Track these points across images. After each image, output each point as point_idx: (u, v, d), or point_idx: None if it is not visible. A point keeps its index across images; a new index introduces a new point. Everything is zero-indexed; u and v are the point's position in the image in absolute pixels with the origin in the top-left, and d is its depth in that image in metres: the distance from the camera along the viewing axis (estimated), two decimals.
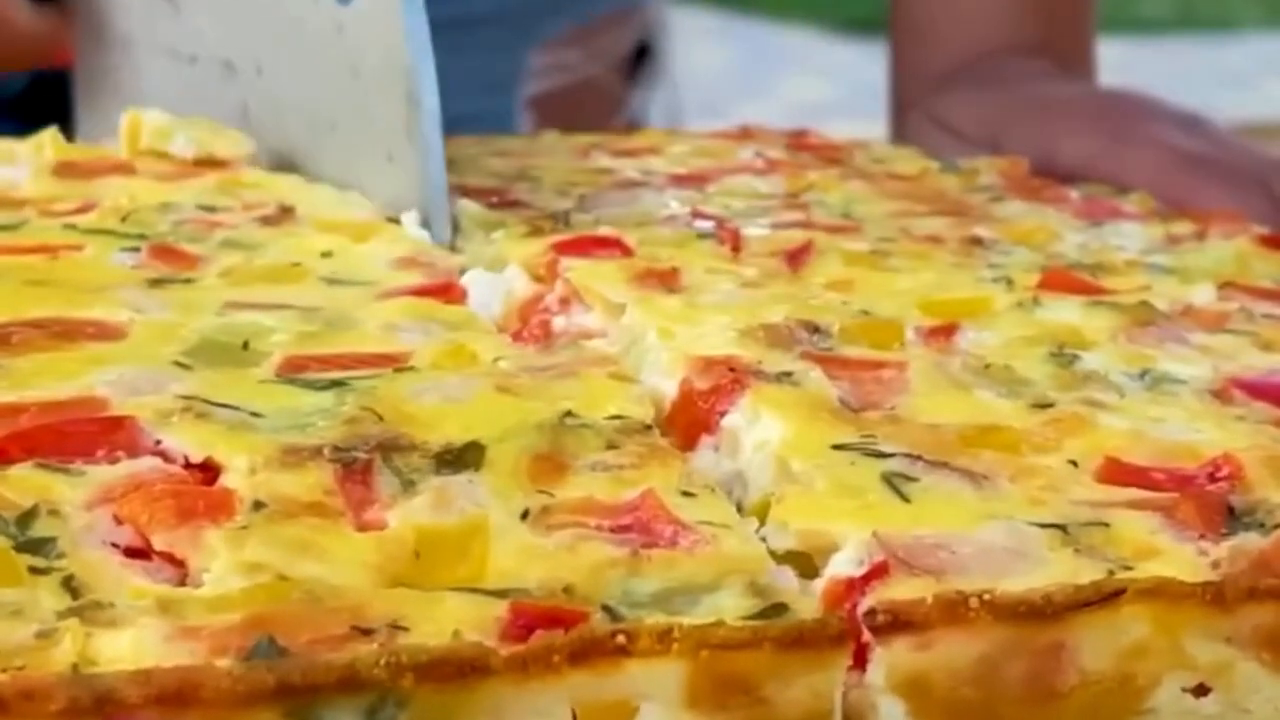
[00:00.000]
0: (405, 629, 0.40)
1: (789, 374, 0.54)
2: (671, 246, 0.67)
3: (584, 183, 0.79)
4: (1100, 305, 0.62)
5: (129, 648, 0.39)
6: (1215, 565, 0.46)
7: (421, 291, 0.62)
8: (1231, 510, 0.48)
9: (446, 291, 0.62)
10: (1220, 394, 0.55)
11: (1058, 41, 1.06)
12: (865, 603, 0.43)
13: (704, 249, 0.68)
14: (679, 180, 0.81)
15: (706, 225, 0.71)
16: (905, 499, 0.47)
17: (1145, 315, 0.61)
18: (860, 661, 0.43)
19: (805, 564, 0.47)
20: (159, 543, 0.43)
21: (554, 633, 0.39)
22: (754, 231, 0.71)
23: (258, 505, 0.45)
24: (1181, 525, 0.47)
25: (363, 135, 0.73)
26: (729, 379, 0.53)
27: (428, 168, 0.69)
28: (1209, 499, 0.48)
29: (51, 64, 0.88)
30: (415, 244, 0.68)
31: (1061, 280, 0.64)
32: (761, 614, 0.41)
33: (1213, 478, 0.50)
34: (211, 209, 0.71)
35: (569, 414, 0.50)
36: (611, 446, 0.49)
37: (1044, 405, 0.53)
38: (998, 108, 0.96)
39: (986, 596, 0.43)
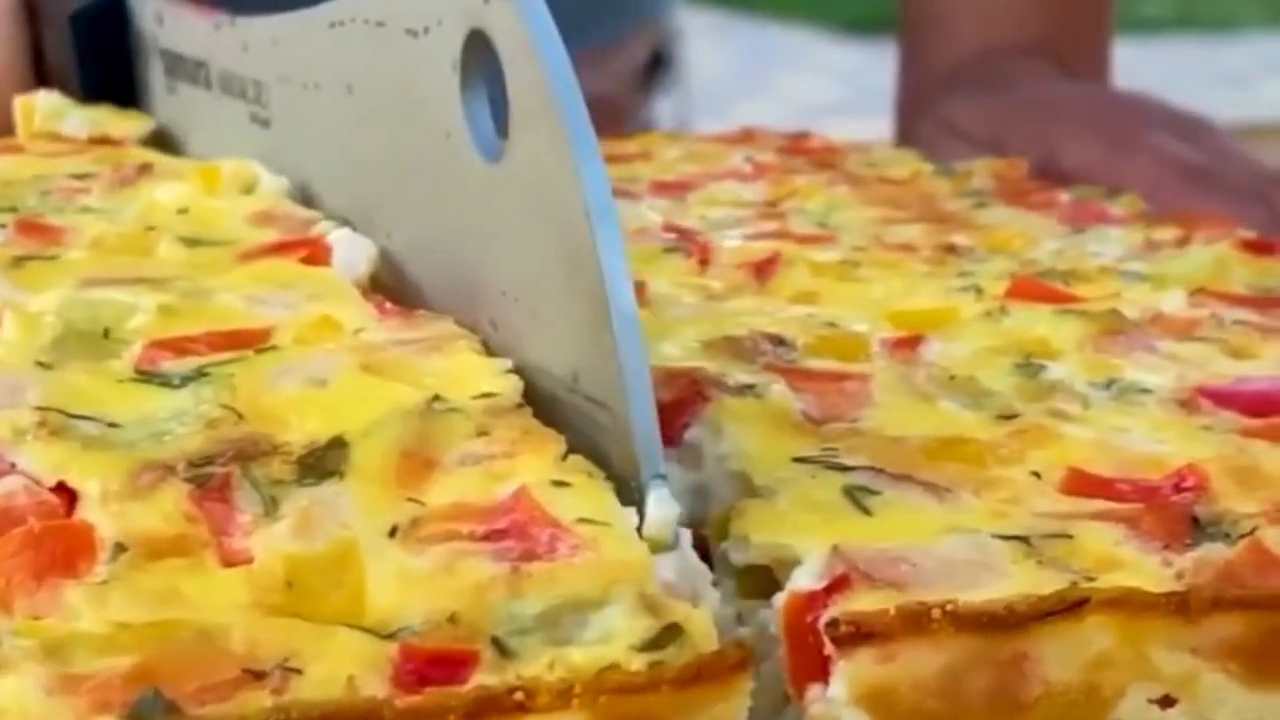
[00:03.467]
0: (298, 670, 0.39)
1: (751, 386, 0.54)
2: (639, 261, 0.67)
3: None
4: (1069, 314, 0.61)
5: (11, 698, 0.38)
6: (1179, 576, 0.45)
7: (282, 248, 0.60)
8: (1196, 521, 0.47)
9: (309, 248, 0.60)
10: (1187, 403, 0.55)
11: (1069, 40, 1.06)
12: (827, 615, 0.43)
13: (672, 263, 0.68)
14: (661, 188, 0.81)
15: (672, 237, 0.71)
16: (867, 512, 0.47)
17: (1114, 324, 0.60)
18: (823, 675, 0.43)
19: (766, 579, 0.46)
20: (21, 609, 0.42)
21: (449, 689, 0.38)
22: (727, 243, 0.71)
23: (118, 549, 0.43)
24: (1146, 536, 0.47)
25: (533, 340, 0.52)
26: (691, 391, 0.53)
27: (628, 402, 0.46)
28: (1173, 510, 0.48)
29: None
30: (271, 196, 0.67)
31: (1029, 289, 0.64)
32: (656, 639, 0.40)
33: (1178, 488, 0.49)
34: (81, 177, 0.70)
35: (437, 398, 0.49)
36: (482, 433, 0.47)
37: (1008, 416, 0.53)
38: (1002, 110, 0.96)
39: (949, 607, 0.42)
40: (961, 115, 0.97)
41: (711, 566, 0.49)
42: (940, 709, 0.42)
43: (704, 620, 0.41)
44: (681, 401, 0.53)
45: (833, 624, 0.42)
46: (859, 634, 0.42)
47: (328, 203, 0.66)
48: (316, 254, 0.60)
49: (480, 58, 0.51)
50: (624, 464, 0.46)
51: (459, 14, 0.51)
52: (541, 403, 0.50)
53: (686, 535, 0.45)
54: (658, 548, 0.44)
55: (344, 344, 0.53)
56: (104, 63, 0.83)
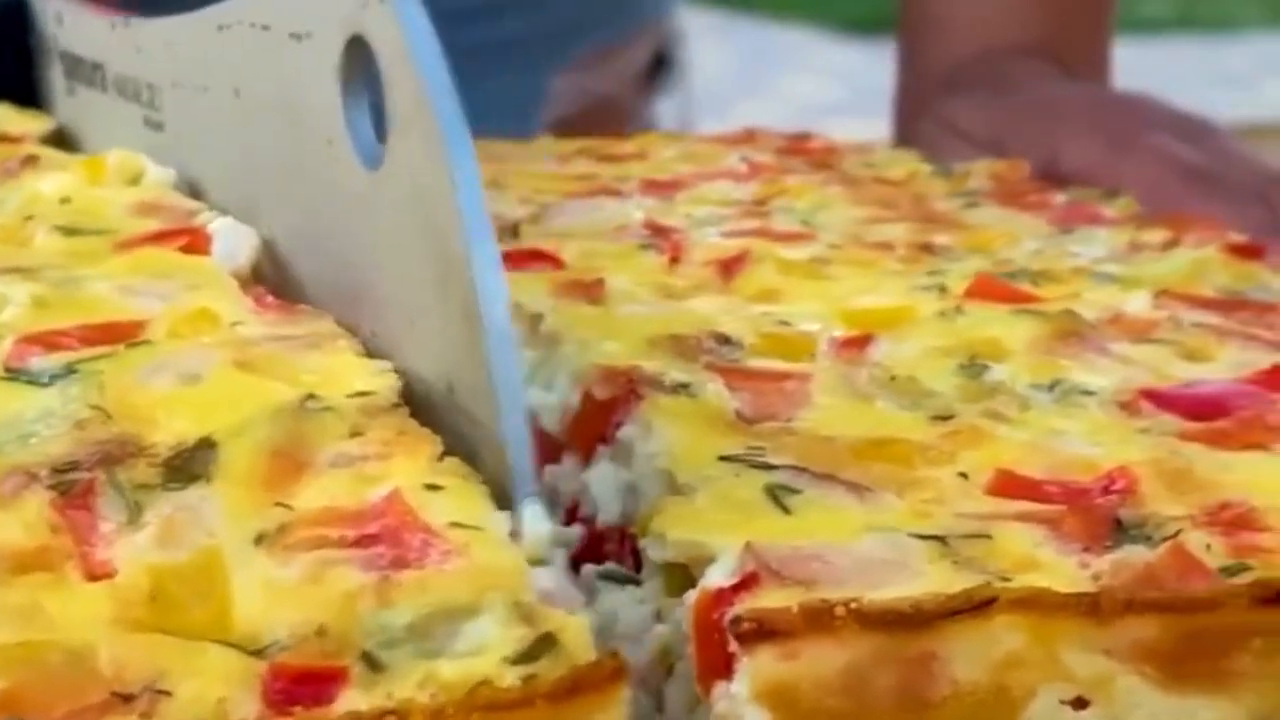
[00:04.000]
0: (167, 692, 0.38)
1: (686, 385, 0.54)
2: (611, 258, 0.67)
3: (551, 190, 0.78)
4: (1025, 314, 0.61)
5: None
6: (1096, 578, 0.45)
7: (161, 237, 0.60)
8: (1119, 523, 0.47)
9: (189, 237, 0.60)
10: (1128, 405, 0.54)
11: (1069, 40, 1.06)
12: (732, 612, 0.43)
13: (643, 260, 0.68)
14: (651, 187, 0.81)
15: (646, 235, 0.71)
16: (786, 511, 0.47)
17: (1068, 325, 0.60)
18: (729, 673, 0.43)
19: (679, 576, 0.47)
20: None
21: (319, 712, 0.38)
22: (706, 240, 0.71)
23: None
24: (1066, 538, 0.47)
25: (411, 349, 0.51)
26: (626, 390, 0.53)
27: (501, 420, 0.45)
28: (1096, 512, 0.48)
29: None
30: (156, 186, 0.66)
31: (989, 288, 0.64)
32: (530, 651, 0.39)
33: (1107, 490, 0.49)
34: None
35: (311, 396, 0.48)
36: (355, 433, 0.46)
37: (945, 417, 0.53)
38: (1003, 111, 0.96)
39: (853, 605, 0.42)
40: (962, 115, 0.97)
41: (641, 564, 0.50)
42: (843, 707, 0.42)
43: (579, 629, 0.40)
44: (616, 400, 0.53)
45: (736, 621, 0.42)
46: (761, 631, 0.42)
47: (215, 204, 0.65)
48: (196, 243, 0.59)
49: (361, 63, 0.50)
50: (500, 480, 0.45)
51: (340, 19, 0.50)
52: (422, 410, 0.49)
53: (561, 555, 0.44)
54: (532, 564, 0.43)
55: (219, 338, 0.53)
56: (6, 64, 0.82)
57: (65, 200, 0.65)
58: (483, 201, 0.46)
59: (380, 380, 0.49)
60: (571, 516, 0.54)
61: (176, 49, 0.66)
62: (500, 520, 0.44)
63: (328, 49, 0.51)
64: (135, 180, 0.67)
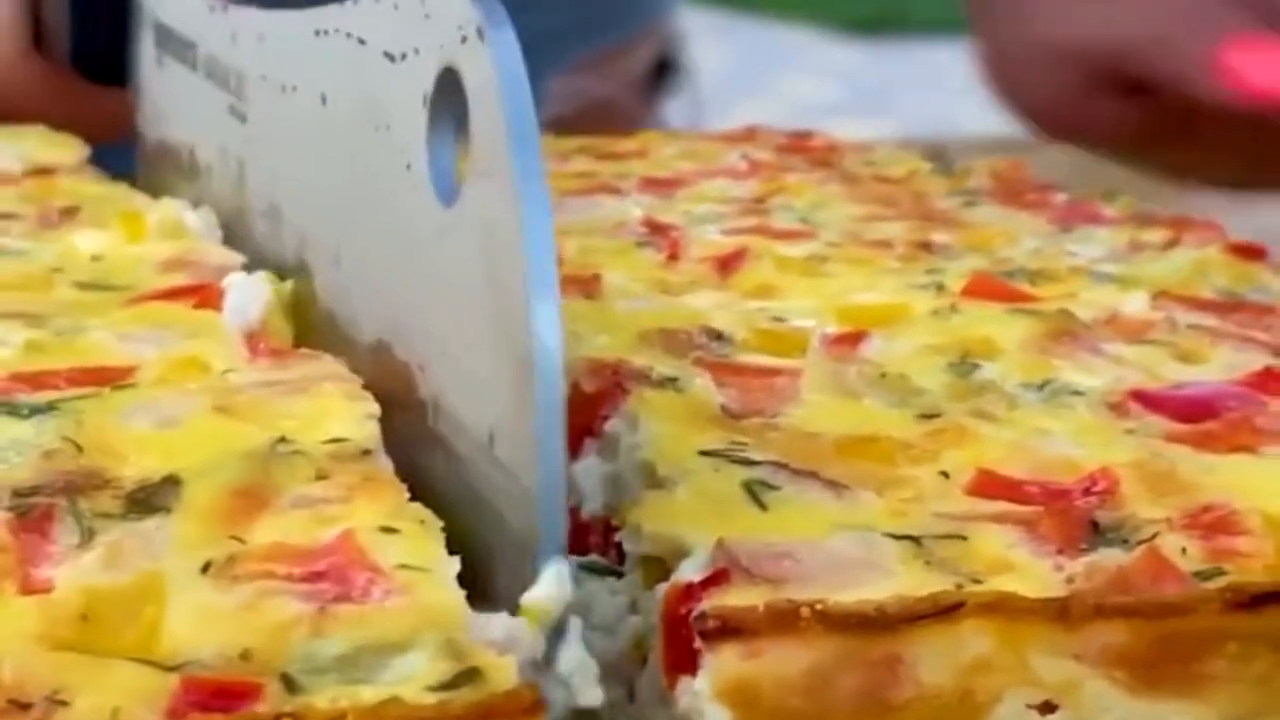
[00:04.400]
0: (64, 702, 0.38)
1: (674, 380, 0.54)
2: (609, 254, 0.68)
3: (550, 188, 0.78)
4: (1019, 314, 0.61)
5: None
6: (1070, 581, 0.45)
7: (174, 294, 0.60)
8: (1096, 525, 0.47)
9: (201, 293, 0.60)
10: (1117, 406, 0.54)
11: None
12: (699, 608, 0.43)
13: (640, 257, 0.68)
14: (651, 184, 0.81)
15: (644, 232, 0.71)
16: (763, 507, 0.47)
17: (1063, 324, 0.60)
18: (694, 668, 0.43)
19: (658, 569, 0.47)
20: None
21: (213, 715, 0.37)
22: (704, 238, 0.71)
23: None
24: (1041, 540, 0.47)
25: (457, 390, 0.50)
26: (613, 383, 0.53)
27: (539, 474, 0.44)
28: (1072, 514, 0.48)
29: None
30: (191, 240, 0.66)
31: (985, 287, 0.64)
32: (452, 681, 0.39)
33: (1087, 492, 0.49)
34: (9, 216, 0.70)
35: (282, 439, 0.48)
36: (321, 476, 0.46)
37: (931, 415, 0.53)
38: None
39: (818, 606, 0.43)
40: None
41: (621, 556, 0.50)
42: (805, 708, 0.42)
43: (505, 666, 0.39)
44: (603, 393, 0.53)
45: (701, 617, 0.43)
46: (726, 629, 0.42)
47: (288, 215, 0.64)
48: (209, 299, 0.59)
49: (451, 96, 0.49)
50: (525, 536, 0.44)
51: (436, 47, 0.49)
52: (443, 450, 0.49)
53: (577, 624, 0.43)
54: (536, 621, 0.42)
55: (205, 384, 0.53)
56: (97, 28, 0.82)
57: (96, 258, 0.65)
58: (553, 256, 0.45)
59: (356, 428, 0.49)
60: None
61: (270, 44, 0.65)
62: (450, 564, 0.43)
63: (420, 76, 0.50)
64: (176, 233, 0.67)
